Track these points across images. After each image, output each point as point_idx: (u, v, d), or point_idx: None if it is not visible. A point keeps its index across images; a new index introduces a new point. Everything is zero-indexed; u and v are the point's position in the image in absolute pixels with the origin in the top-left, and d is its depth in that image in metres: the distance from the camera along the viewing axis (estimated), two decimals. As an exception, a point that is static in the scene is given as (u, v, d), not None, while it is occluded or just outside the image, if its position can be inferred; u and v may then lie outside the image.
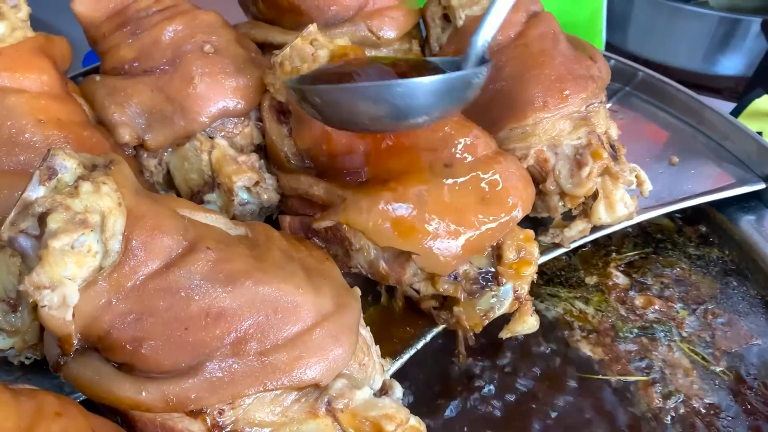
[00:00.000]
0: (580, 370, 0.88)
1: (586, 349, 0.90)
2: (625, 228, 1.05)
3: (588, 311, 0.95)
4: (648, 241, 1.07)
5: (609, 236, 1.05)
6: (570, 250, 0.96)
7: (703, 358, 0.89)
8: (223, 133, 0.89)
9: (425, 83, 0.68)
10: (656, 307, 0.96)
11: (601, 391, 0.86)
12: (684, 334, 0.92)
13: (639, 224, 1.08)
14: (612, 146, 0.93)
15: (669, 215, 1.10)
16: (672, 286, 0.99)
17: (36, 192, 0.63)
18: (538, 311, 0.87)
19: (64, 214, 0.61)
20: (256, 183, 0.87)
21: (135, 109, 0.87)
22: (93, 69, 1.16)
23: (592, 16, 1.66)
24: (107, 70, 0.92)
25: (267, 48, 1.02)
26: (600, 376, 0.87)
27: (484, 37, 0.76)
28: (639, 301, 0.97)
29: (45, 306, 0.60)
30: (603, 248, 1.05)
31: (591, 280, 1.00)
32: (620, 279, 1.00)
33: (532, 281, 0.82)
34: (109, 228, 0.61)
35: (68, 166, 0.64)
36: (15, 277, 0.73)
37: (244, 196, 0.88)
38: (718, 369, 0.88)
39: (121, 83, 0.88)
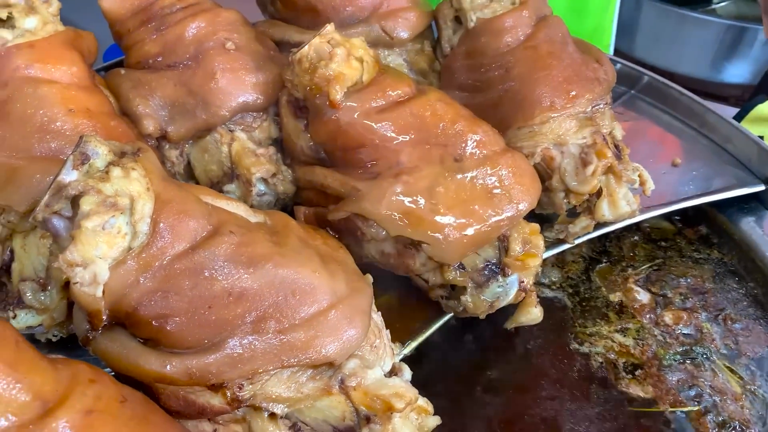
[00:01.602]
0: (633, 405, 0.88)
1: (637, 390, 0.90)
2: (633, 238, 1.09)
3: (628, 343, 0.95)
4: (655, 250, 1.09)
5: (620, 247, 1.09)
6: (587, 269, 1.01)
7: (740, 377, 0.90)
8: (242, 127, 0.93)
9: None
10: (685, 320, 0.98)
11: (657, 424, 0.86)
12: (721, 350, 0.93)
13: (643, 231, 1.11)
14: (616, 146, 0.96)
15: (668, 218, 1.13)
16: (690, 296, 1.01)
17: (69, 176, 0.66)
18: (582, 355, 0.91)
19: (96, 197, 0.64)
20: (274, 175, 0.91)
21: (158, 101, 0.91)
22: (114, 64, 1.20)
23: (597, 29, 1.69)
24: (132, 64, 0.96)
25: (284, 46, 1.06)
26: (653, 409, 0.87)
27: None
28: (668, 318, 0.98)
29: (77, 283, 0.63)
30: (618, 264, 1.06)
31: (615, 297, 1.01)
32: (641, 295, 1.02)
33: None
34: (138, 211, 0.65)
35: (99, 152, 0.68)
36: (44, 258, 0.77)
37: (261, 187, 0.91)
38: (760, 391, 0.88)
39: (145, 77, 0.92)
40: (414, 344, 0.87)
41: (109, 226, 0.64)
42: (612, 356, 0.93)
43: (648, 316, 0.99)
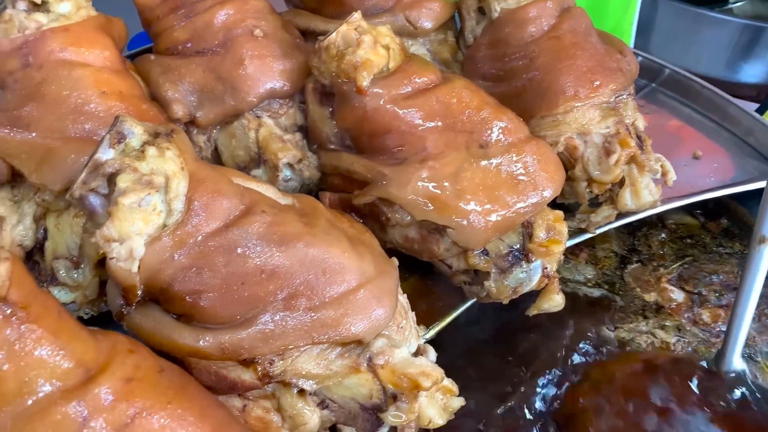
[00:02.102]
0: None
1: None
2: (660, 235, 1.10)
3: (669, 340, 0.96)
4: (684, 247, 1.09)
5: (649, 246, 1.09)
6: (619, 270, 1.02)
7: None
8: (269, 113, 0.94)
9: None
10: (723, 318, 0.98)
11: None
12: (763, 349, 0.94)
13: (669, 228, 1.12)
14: (638, 137, 0.97)
15: (690, 211, 1.14)
16: (724, 293, 1.02)
17: (106, 154, 0.68)
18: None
19: (132, 175, 0.66)
20: (300, 160, 0.92)
21: (187, 87, 0.92)
22: (137, 53, 1.22)
23: (615, 29, 1.70)
24: (161, 50, 0.97)
25: (309, 35, 1.07)
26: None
27: None
28: (706, 316, 0.99)
29: (113, 258, 0.65)
30: (649, 263, 1.07)
31: (650, 297, 1.02)
32: (676, 294, 1.02)
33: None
34: (173, 189, 0.66)
35: (135, 132, 0.69)
36: (78, 237, 0.78)
37: (287, 172, 0.93)
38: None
39: (174, 62, 0.93)
40: (437, 328, 0.88)
41: (145, 203, 0.65)
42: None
43: (686, 315, 0.99)
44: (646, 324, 0.98)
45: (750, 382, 0.85)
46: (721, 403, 0.82)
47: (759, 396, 0.83)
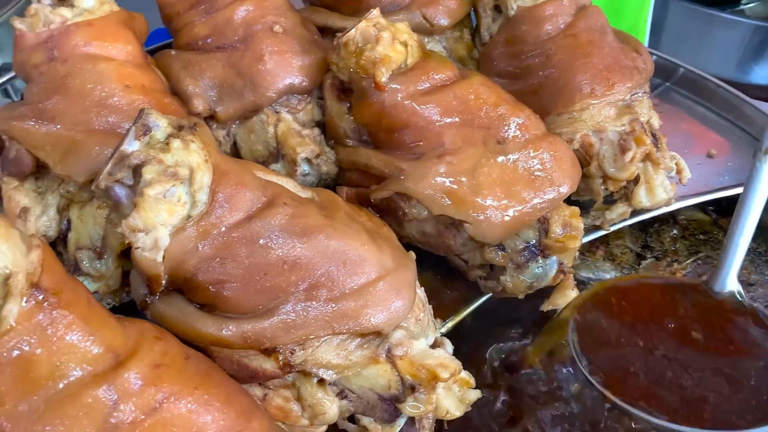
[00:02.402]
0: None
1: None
2: (672, 232, 1.10)
3: None
4: (696, 244, 1.09)
5: (662, 242, 1.09)
6: (633, 265, 1.02)
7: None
8: (287, 109, 0.95)
9: None
10: None
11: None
12: None
13: (680, 224, 1.12)
14: (653, 135, 0.97)
15: (703, 209, 1.14)
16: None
17: (132, 146, 0.69)
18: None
19: (158, 167, 0.67)
20: (318, 155, 0.93)
21: (207, 82, 0.93)
22: (154, 49, 1.23)
23: (632, 28, 1.70)
24: (181, 45, 0.98)
25: (326, 32, 1.08)
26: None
27: None
28: None
29: (139, 248, 0.66)
30: (663, 259, 1.07)
31: None
32: None
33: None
34: (197, 181, 0.67)
35: (160, 124, 0.70)
36: (101, 228, 0.79)
37: (305, 167, 0.94)
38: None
39: (195, 58, 0.95)
40: (453, 322, 0.89)
41: (169, 194, 0.66)
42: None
43: None
44: None
45: (744, 303, 0.85)
46: (715, 322, 0.82)
47: (751, 316, 0.83)
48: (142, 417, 0.52)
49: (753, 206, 0.80)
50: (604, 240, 1.08)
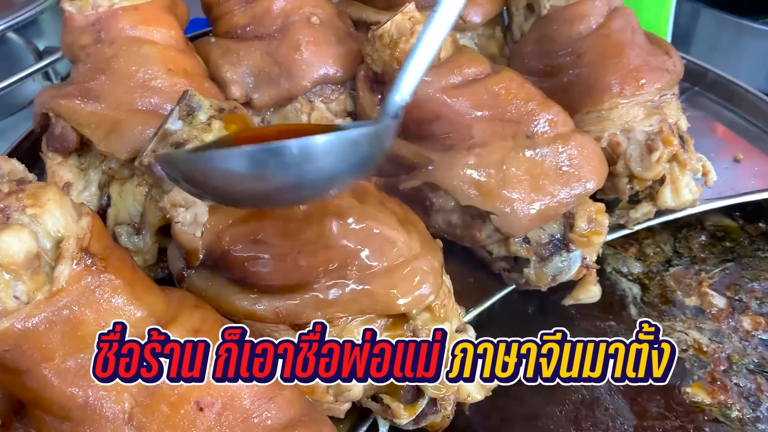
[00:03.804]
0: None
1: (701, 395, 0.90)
2: (700, 238, 1.11)
3: (702, 341, 0.96)
4: (724, 251, 1.10)
5: (690, 248, 1.10)
6: (660, 271, 1.03)
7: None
8: (321, 98, 0.98)
9: (320, 141, 0.53)
10: (764, 326, 0.97)
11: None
12: None
13: (708, 230, 1.12)
14: (681, 137, 0.98)
15: (730, 214, 1.15)
16: (765, 300, 1.02)
17: (175, 125, 0.72)
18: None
19: (200, 146, 0.70)
20: (349, 144, 0.95)
21: (245, 69, 0.96)
22: (191, 37, 1.26)
23: (650, 28, 1.69)
24: (220, 33, 1.01)
25: (359, 26, 1.11)
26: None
27: (401, 95, 0.64)
28: (747, 323, 0.98)
29: (179, 222, 0.69)
30: (692, 266, 1.07)
31: (690, 301, 1.02)
32: (716, 299, 1.02)
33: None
34: (236, 161, 0.70)
35: (203, 105, 0.73)
36: (140, 204, 0.82)
37: (336, 156, 0.96)
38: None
39: (234, 45, 0.97)
40: (476, 312, 0.90)
41: (210, 172, 0.69)
42: (681, 347, 0.95)
43: (726, 321, 0.99)
44: (683, 324, 0.99)
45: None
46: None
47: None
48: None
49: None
50: (635, 238, 1.10)
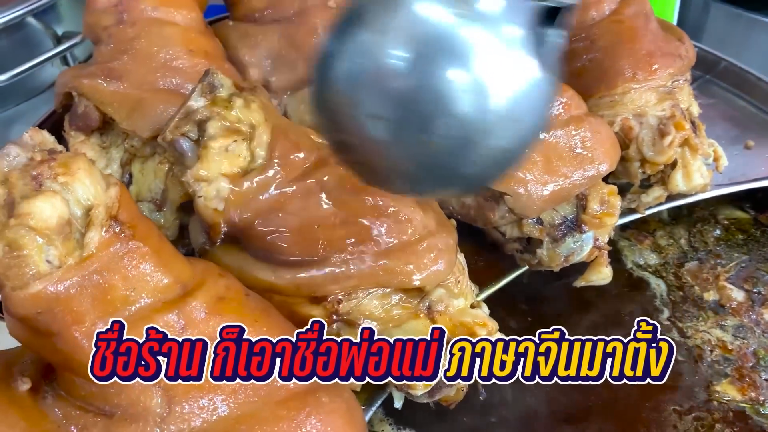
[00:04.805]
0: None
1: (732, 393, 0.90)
2: (714, 231, 1.12)
3: (726, 339, 0.96)
4: (738, 245, 1.10)
5: (705, 242, 1.11)
6: (676, 267, 1.05)
7: None
8: (337, 81, 0.99)
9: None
10: None
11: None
12: None
13: (722, 224, 1.14)
14: (692, 122, 0.99)
15: (740, 206, 1.16)
16: None
17: (198, 102, 0.73)
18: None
19: (221, 123, 0.72)
20: (364, 126, 0.97)
21: (263, 52, 0.98)
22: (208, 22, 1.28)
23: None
24: (238, 17, 1.03)
25: (375, 12, 1.12)
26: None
27: None
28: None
29: (201, 197, 0.71)
30: (707, 261, 1.08)
31: (709, 296, 1.02)
32: (735, 293, 1.02)
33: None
34: (256, 138, 0.72)
35: (224, 84, 0.75)
36: (161, 182, 0.84)
37: (351, 137, 0.97)
38: None
39: (252, 29, 0.99)
40: (488, 292, 0.92)
41: (231, 148, 0.71)
42: (707, 348, 0.95)
43: (747, 315, 0.99)
44: (705, 323, 0.99)
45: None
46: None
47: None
48: (207, 343, 0.56)
49: None
50: (651, 231, 1.12)
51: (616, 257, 1.06)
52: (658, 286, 1.04)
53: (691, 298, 1.02)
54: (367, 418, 0.76)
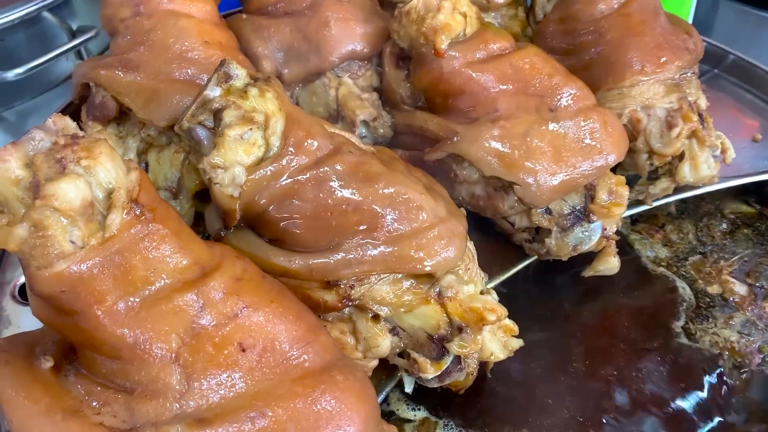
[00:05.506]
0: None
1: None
2: (721, 226, 1.13)
3: (733, 338, 0.97)
4: (743, 239, 1.11)
5: (712, 236, 1.12)
6: (681, 261, 1.06)
7: None
8: (348, 74, 1.01)
9: None
10: None
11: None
12: None
13: (728, 218, 1.14)
14: (700, 114, 1.00)
15: (746, 201, 1.16)
16: None
17: (214, 92, 0.75)
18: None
19: (237, 111, 0.73)
20: (375, 119, 0.99)
21: (276, 45, 1.00)
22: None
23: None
24: (252, 10, 1.05)
25: (385, 5, 1.13)
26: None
27: None
28: None
29: (217, 183, 0.72)
30: (711, 255, 1.09)
31: (713, 289, 1.03)
32: (737, 287, 1.03)
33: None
34: (271, 126, 0.73)
35: (240, 74, 0.76)
36: (177, 170, 0.86)
37: (362, 130, 0.99)
38: None
39: (265, 22, 1.01)
40: (497, 281, 0.93)
41: (247, 136, 0.72)
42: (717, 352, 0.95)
43: (750, 309, 1.00)
44: (715, 324, 0.99)
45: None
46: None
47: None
48: (224, 322, 0.58)
49: None
50: (661, 225, 1.13)
51: (625, 251, 1.07)
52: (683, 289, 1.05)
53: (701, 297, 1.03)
54: (379, 400, 0.77)
